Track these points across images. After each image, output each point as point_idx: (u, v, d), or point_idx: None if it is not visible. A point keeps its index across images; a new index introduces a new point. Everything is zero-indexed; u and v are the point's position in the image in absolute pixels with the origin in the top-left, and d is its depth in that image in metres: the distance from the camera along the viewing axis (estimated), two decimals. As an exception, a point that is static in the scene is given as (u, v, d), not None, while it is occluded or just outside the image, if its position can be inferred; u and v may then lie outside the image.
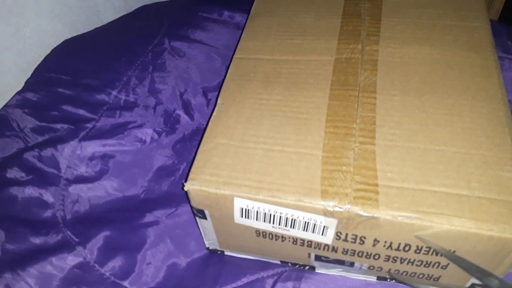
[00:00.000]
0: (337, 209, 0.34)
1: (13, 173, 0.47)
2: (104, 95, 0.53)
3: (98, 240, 0.44)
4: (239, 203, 0.37)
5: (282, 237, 0.39)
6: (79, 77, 0.55)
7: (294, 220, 0.37)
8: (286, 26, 0.50)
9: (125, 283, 0.42)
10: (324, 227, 0.36)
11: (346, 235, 0.36)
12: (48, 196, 0.46)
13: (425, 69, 0.43)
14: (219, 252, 0.46)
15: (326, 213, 0.35)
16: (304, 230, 0.37)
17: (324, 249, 0.39)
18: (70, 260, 0.42)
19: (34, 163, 0.48)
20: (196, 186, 0.37)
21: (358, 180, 0.35)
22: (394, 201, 0.34)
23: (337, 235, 0.36)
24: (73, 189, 0.47)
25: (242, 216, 0.38)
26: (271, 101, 0.42)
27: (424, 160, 0.36)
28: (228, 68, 0.47)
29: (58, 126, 0.50)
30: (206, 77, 0.59)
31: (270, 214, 0.37)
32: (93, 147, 0.49)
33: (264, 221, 0.38)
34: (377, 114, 0.40)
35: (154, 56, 0.58)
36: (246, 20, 0.53)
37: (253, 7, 0.54)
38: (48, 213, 0.45)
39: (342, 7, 0.51)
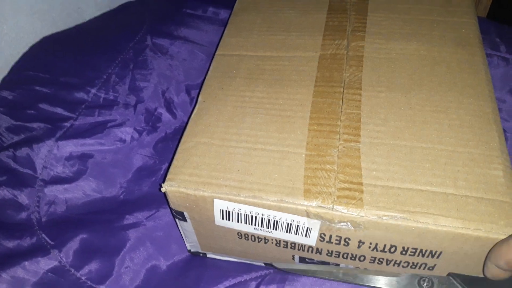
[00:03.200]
0: (320, 209, 0.33)
1: None
2: (82, 93, 0.52)
3: (74, 243, 0.42)
4: (219, 205, 0.35)
5: (265, 239, 0.38)
6: (57, 74, 0.53)
7: (277, 221, 0.35)
8: (270, 22, 0.49)
9: (102, 287, 0.40)
10: (307, 228, 0.35)
11: (330, 236, 0.35)
12: (23, 198, 0.44)
13: (412, 65, 0.42)
14: (201, 254, 0.45)
15: (309, 214, 0.33)
16: (287, 231, 0.36)
17: (308, 250, 0.37)
18: (44, 264, 0.40)
19: (9, 163, 0.46)
20: (174, 187, 0.35)
21: (342, 179, 0.34)
22: (379, 200, 0.33)
23: (321, 237, 0.35)
24: (49, 190, 0.45)
25: (222, 218, 0.37)
26: (253, 99, 0.41)
27: (410, 158, 0.35)
28: (209, 65, 0.46)
29: (35, 125, 0.49)
30: (189, 74, 0.57)
31: (252, 216, 0.35)
32: (71, 146, 0.47)
33: (246, 223, 0.36)
34: (362, 111, 0.38)
35: (136, 53, 0.56)
36: (229, 16, 0.51)
37: (237, 2, 0.53)
38: (22, 215, 0.44)
39: (328, 3, 0.50)
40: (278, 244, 0.38)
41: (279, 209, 0.34)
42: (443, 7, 0.47)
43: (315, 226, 0.34)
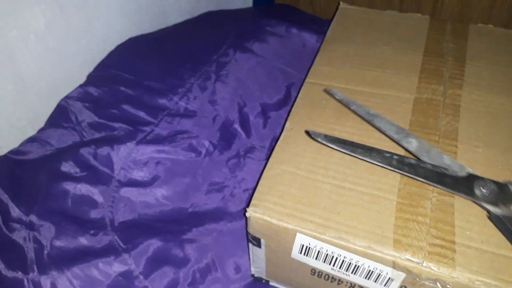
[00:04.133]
0: (409, 262, 0.32)
1: (68, 167, 0.46)
2: (165, 99, 0.52)
3: (144, 250, 0.42)
4: (301, 239, 0.35)
5: (339, 280, 0.37)
6: (141, 77, 0.54)
7: (358, 266, 0.34)
8: (363, 55, 0.48)
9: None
10: (389, 278, 0.34)
11: (412, 290, 0.33)
12: (98, 196, 0.45)
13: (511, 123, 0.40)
14: (263, 281, 0.44)
15: (396, 265, 0.32)
16: (366, 278, 0.35)
17: (382, 299, 0.36)
18: (116, 267, 0.41)
19: (89, 160, 0.46)
20: (258, 214, 0.35)
21: (434, 234, 0.33)
22: (472, 263, 0.31)
23: (402, 289, 0.34)
24: (124, 192, 0.46)
25: (301, 253, 0.36)
26: (343, 133, 0.40)
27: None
28: (298, 91, 0.45)
29: (117, 125, 0.49)
30: (266, 93, 0.57)
31: (333, 257, 0.35)
32: (150, 151, 0.48)
33: (324, 262, 0.36)
34: None
35: (218, 66, 0.56)
36: (321, 43, 0.51)
37: (329, 30, 0.53)
38: (97, 214, 0.44)
39: (424, 44, 0.49)
40: (351, 287, 0.37)
41: (365, 255, 0.33)
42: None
43: (399, 278, 0.33)
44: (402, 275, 0.33)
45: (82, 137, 0.49)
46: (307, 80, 0.46)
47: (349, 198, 0.36)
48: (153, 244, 0.43)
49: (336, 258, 0.35)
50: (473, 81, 0.44)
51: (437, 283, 0.32)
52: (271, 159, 0.39)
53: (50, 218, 0.42)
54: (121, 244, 0.42)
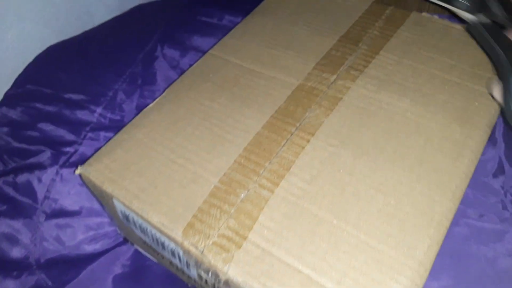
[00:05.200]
0: (192, 248, 0.31)
1: None
2: (88, 112, 0.49)
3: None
4: (119, 206, 0.35)
5: (162, 256, 0.37)
6: (61, 90, 0.50)
7: (163, 242, 0.34)
8: (277, 33, 0.45)
9: None
10: (186, 261, 0.33)
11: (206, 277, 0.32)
12: (21, 231, 0.43)
13: (387, 126, 0.35)
14: (129, 242, 0.45)
15: (183, 248, 0.31)
16: (172, 256, 0.34)
17: (196, 281, 0.35)
18: None
19: (8, 191, 0.44)
20: (86, 173, 0.36)
21: (231, 226, 0.31)
22: (250, 263, 0.29)
23: (199, 274, 0.33)
24: (50, 223, 0.43)
25: (124, 219, 0.36)
26: (208, 109, 0.39)
27: (311, 231, 0.30)
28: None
29: (37, 148, 0.46)
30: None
31: (145, 228, 0.34)
32: (74, 176, 0.45)
33: (141, 233, 0.36)
34: (298, 160, 0.34)
35: (144, 66, 0.53)
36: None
37: (261, 3, 0.50)
38: (20, 252, 0.42)
39: (347, 28, 0.44)
40: (171, 265, 0.37)
41: (160, 232, 0.32)
42: (472, 67, 0.39)
43: (191, 262, 0.32)
44: (193, 260, 0.32)
45: (3, 167, 0.46)
46: (209, 51, 0.44)
47: (174, 173, 0.35)
48: (83, 281, 0.41)
49: (147, 230, 0.34)
50: (373, 75, 0.39)
51: (213, 275, 0.30)
52: (129, 124, 0.39)
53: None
54: (49, 284, 0.41)
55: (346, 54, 0.41)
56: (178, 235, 0.31)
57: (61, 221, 0.44)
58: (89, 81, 0.52)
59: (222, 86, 0.40)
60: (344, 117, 0.36)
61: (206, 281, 0.33)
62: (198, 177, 0.34)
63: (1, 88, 0.53)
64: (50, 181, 0.45)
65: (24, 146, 0.47)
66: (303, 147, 0.35)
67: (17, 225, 0.43)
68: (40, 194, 0.44)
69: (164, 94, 0.41)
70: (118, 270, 0.43)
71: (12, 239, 0.42)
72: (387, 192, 0.32)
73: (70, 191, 0.45)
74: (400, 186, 0.32)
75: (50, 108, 0.49)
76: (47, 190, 0.45)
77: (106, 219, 0.45)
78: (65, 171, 0.45)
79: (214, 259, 0.30)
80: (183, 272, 0.36)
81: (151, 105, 0.40)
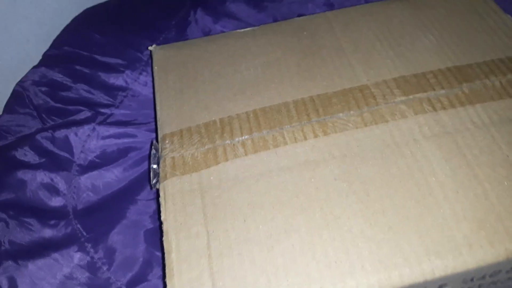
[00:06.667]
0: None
1: (24, 154, 0.45)
2: (124, 76, 0.51)
3: (108, 238, 0.43)
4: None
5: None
6: (97, 53, 0.52)
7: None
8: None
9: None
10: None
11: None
12: (59, 183, 0.45)
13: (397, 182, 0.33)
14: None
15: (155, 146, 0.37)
16: None
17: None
18: (77, 258, 0.41)
19: (47, 145, 0.46)
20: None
21: (194, 156, 0.35)
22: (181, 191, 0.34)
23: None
24: (86, 176, 0.46)
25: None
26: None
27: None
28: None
29: (75, 108, 0.48)
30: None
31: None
32: (110, 133, 0.48)
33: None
34: (288, 146, 0.35)
35: (178, 32, 0.54)
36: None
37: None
38: (58, 202, 0.44)
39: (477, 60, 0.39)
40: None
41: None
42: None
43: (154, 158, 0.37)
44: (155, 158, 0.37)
45: (39, 123, 0.49)
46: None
47: (206, 96, 0.40)
48: (118, 233, 0.43)
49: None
50: (442, 121, 0.36)
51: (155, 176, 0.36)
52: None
53: (7, 212, 0.43)
54: (84, 233, 0.43)
55: (441, 85, 0.38)
56: (160, 134, 0.37)
57: (96, 173, 0.46)
58: (124, 46, 0.53)
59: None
60: (368, 139, 0.35)
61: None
62: (213, 107, 0.38)
63: (40, 48, 0.54)
64: (86, 137, 0.48)
65: (62, 105, 0.49)
66: (306, 139, 0.35)
67: (55, 177, 0.45)
68: (77, 149, 0.47)
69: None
70: (149, 225, 0.45)
71: (51, 189, 0.45)
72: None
73: (105, 147, 0.48)
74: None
75: (87, 71, 0.51)
76: (83, 145, 0.47)
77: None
78: (101, 129, 0.48)
79: (163, 170, 0.34)
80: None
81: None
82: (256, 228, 0.31)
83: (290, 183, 0.33)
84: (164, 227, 0.31)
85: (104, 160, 0.48)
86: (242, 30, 0.45)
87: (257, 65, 0.42)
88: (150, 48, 0.43)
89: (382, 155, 0.34)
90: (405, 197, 0.31)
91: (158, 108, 0.39)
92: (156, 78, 0.42)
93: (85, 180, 0.46)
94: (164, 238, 0.31)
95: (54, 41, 0.55)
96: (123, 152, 0.48)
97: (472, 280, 0.31)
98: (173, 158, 0.35)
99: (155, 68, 0.43)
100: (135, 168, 0.48)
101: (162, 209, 0.32)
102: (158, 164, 0.35)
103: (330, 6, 0.56)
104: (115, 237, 0.43)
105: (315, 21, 0.45)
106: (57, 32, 0.55)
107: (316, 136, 0.35)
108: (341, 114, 0.37)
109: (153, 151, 0.36)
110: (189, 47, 0.45)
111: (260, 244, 0.30)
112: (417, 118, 0.36)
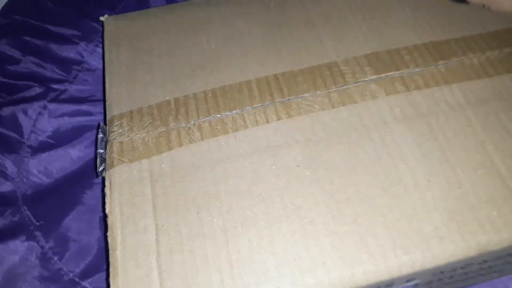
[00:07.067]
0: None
1: None
2: (79, 49, 0.49)
3: (59, 226, 0.41)
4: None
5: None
6: (50, 23, 0.50)
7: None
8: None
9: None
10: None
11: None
12: (7, 166, 0.43)
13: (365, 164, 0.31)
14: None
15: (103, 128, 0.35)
16: None
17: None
18: (27, 248, 0.39)
19: None
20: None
21: (144, 140, 0.33)
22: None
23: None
24: (36, 158, 0.43)
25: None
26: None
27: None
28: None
29: (24, 84, 0.46)
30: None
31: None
32: (63, 111, 0.45)
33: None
34: (248, 129, 0.33)
35: (139, 0, 0.52)
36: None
37: None
38: (6, 187, 0.42)
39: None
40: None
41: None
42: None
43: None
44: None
45: None
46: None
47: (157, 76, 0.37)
48: (72, 219, 0.41)
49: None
50: (414, 102, 0.34)
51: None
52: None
53: None
54: (34, 221, 0.41)
55: (416, 62, 0.35)
56: (109, 115, 0.34)
57: (47, 155, 0.44)
58: (80, 15, 0.51)
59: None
60: (334, 122, 0.33)
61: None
62: (167, 85, 0.35)
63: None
64: (36, 115, 0.45)
65: (9, 81, 0.47)
66: (268, 122, 0.33)
67: (2, 159, 0.43)
68: (26, 128, 0.45)
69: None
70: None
71: (-1, 174, 0.43)
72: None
73: (57, 127, 0.45)
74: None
75: (38, 42, 0.49)
76: (33, 125, 0.45)
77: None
78: (54, 106, 0.45)
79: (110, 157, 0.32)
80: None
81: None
82: (210, 222, 0.29)
83: (249, 170, 0.31)
84: (109, 221, 0.29)
85: (57, 141, 0.45)
86: None
87: (219, 37, 0.39)
88: (101, 18, 0.40)
89: (348, 139, 0.32)
90: (371, 186, 0.29)
91: (107, 86, 0.36)
92: (106, 52, 0.39)
93: (36, 162, 0.44)
94: (108, 233, 0.29)
95: (2, 8, 0.52)
96: (78, 132, 0.46)
97: (442, 272, 0.29)
98: (121, 142, 0.32)
99: (106, 41, 0.39)
100: (92, 149, 0.45)
101: (107, 200, 0.30)
102: (105, 149, 0.32)
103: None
104: (68, 224, 0.41)
105: (283, -11, 0.42)
106: (5, 0, 0.53)
107: (279, 118, 0.33)
108: (307, 95, 0.34)
109: (100, 134, 0.33)
110: (145, 18, 0.41)
111: (214, 239, 0.28)
112: (389, 99, 0.33)
